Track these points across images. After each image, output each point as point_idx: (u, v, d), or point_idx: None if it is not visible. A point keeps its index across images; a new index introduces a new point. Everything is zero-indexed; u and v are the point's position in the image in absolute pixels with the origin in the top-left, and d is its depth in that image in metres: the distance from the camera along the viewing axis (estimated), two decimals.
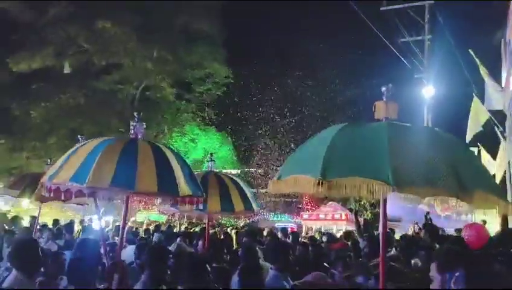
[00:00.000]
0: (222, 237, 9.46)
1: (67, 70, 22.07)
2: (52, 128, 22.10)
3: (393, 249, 6.15)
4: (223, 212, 5.95)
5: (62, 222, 10.64)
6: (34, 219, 10.15)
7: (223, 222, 19.38)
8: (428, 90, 17.84)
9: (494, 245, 5.59)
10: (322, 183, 2.70)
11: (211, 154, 6.62)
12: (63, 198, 4.03)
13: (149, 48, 23.11)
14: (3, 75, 21.17)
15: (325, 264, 5.22)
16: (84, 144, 4.06)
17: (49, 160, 6.83)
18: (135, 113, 4.37)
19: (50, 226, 9.79)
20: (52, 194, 3.93)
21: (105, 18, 21.32)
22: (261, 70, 28.05)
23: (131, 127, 4.26)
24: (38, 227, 7.53)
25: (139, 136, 4.22)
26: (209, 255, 5.78)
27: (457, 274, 2.05)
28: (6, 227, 8.69)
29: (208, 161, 6.38)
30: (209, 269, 3.69)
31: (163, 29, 22.86)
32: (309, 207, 25.24)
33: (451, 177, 2.57)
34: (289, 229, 14.82)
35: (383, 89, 3.22)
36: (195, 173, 4.76)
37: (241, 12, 25.55)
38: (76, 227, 10.87)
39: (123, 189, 3.79)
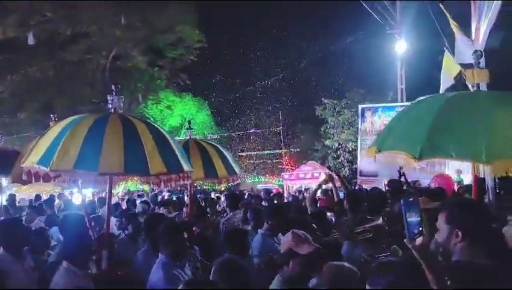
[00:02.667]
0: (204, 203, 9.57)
1: (31, 41, 21.17)
2: (22, 103, 21.46)
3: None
4: (207, 179, 5.90)
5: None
6: (12, 196, 10.08)
7: (205, 187, 19.51)
8: (400, 46, 17.90)
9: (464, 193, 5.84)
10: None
11: (189, 121, 6.57)
12: (33, 181, 4.01)
13: (117, 14, 22.30)
14: None
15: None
16: (54, 125, 3.99)
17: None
18: (112, 86, 4.24)
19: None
20: (25, 177, 3.91)
21: None
22: (233, 32, 27.61)
23: (109, 101, 4.17)
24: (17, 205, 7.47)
25: (118, 110, 4.14)
26: (194, 220, 5.91)
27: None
28: None
29: (186, 129, 6.35)
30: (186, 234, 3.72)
31: None
32: (289, 167, 25.66)
33: None
34: (274, 190, 15.10)
35: (473, 56, 3.27)
36: None
37: None
38: (56, 201, 10.81)
39: (87, 171, 3.70)
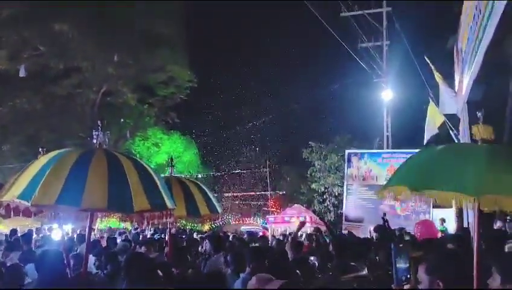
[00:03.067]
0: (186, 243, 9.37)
1: (22, 74, 21.22)
2: (7, 135, 21.22)
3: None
4: (189, 217, 5.74)
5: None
6: None
7: (188, 227, 19.18)
8: (387, 94, 18.40)
9: (449, 241, 5.84)
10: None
11: (171, 158, 6.54)
12: (12, 216, 3.91)
13: (109, 51, 22.60)
14: None
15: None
16: (38, 158, 3.91)
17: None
18: (98, 121, 4.23)
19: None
20: (3, 211, 3.81)
21: (63, 21, 20.69)
22: (224, 73, 28.14)
23: (94, 136, 4.16)
24: None
25: (103, 146, 4.12)
26: (174, 260, 5.76)
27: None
28: None
29: (168, 166, 6.31)
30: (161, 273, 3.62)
31: (124, 32, 22.42)
32: (274, 209, 25.49)
33: None
34: (260, 233, 14.92)
35: (478, 114, 3.52)
36: None
37: (202, 16, 25.51)
38: (34, 236, 10.49)
39: (69, 206, 3.62)
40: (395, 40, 18.93)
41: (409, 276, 1.99)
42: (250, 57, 28.33)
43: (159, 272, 3.75)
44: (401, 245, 2.08)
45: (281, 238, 13.64)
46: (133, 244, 8.02)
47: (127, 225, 16.26)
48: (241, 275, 4.40)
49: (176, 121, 27.37)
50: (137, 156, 22.41)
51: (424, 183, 3.01)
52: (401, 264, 2.03)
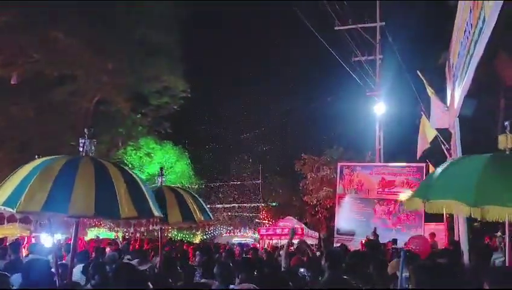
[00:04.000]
0: (177, 254, 9.30)
1: (14, 81, 21.10)
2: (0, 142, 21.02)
3: None
4: (185, 222, 5.69)
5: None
6: None
7: (179, 238, 19.05)
8: (379, 108, 18.51)
9: (439, 256, 5.86)
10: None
11: (161, 168, 6.53)
12: None
13: (104, 60, 22.58)
14: None
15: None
16: (23, 166, 3.87)
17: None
18: (85, 129, 4.20)
19: None
20: None
21: (58, 28, 20.68)
22: (218, 85, 28.20)
23: (80, 144, 4.12)
24: None
25: (90, 154, 4.09)
26: (164, 271, 5.70)
27: None
28: None
29: (158, 176, 6.28)
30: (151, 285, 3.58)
31: (119, 41, 22.44)
32: (266, 221, 25.39)
33: None
34: (250, 245, 14.83)
35: (506, 123, 3.68)
36: None
37: (199, 26, 25.64)
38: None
39: (56, 213, 3.61)
40: (388, 54, 19.12)
41: (408, 286, 2.01)
42: (245, 69, 28.47)
43: (150, 284, 3.69)
44: (408, 254, 2.11)
45: (272, 251, 13.62)
46: (122, 255, 7.93)
47: (118, 234, 16.13)
48: (232, 286, 4.37)
49: (169, 132, 27.29)
50: (129, 166, 22.30)
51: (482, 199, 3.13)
52: (406, 273, 2.07)
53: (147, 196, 4.00)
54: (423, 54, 17.36)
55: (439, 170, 4.00)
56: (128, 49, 23.20)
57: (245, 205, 27.78)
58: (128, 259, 6.95)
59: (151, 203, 4.00)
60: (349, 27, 19.00)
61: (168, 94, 26.53)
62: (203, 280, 5.53)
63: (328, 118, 26.48)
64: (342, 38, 18.99)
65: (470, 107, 6.96)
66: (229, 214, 28.13)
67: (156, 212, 4.04)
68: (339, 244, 12.19)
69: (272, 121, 28.70)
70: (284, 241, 16.75)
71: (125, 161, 24.09)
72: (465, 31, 6.11)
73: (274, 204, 27.20)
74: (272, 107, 29.47)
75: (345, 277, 4.46)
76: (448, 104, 8.83)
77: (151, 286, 4.31)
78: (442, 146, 9.35)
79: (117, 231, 15.60)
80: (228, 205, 28.17)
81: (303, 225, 18.08)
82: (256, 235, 21.03)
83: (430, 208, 3.62)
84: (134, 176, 4.15)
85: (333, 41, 18.26)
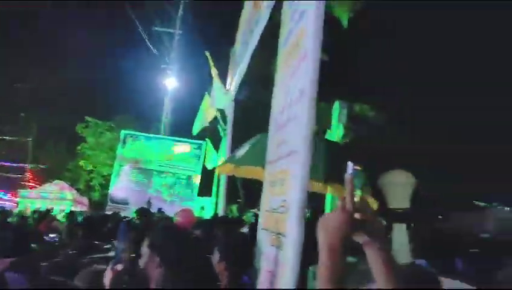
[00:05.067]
0: None
1: None
2: None
3: None
4: None
5: None
6: None
7: None
8: (170, 82, 18.69)
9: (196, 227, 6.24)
10: None
11: None
12: None
13: None
14: None
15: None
16: None
17: None
18: None
19: None
20: None
21: None
22: None
23: None
24: None
25: None
26: None
27: None
28: None
29: None
30: None
31: None
32: (33, 184, 22.93)
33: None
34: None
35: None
36: None
37: None
38: None
39: None
40: (187, 31, 19.39)
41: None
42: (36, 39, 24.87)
43: None
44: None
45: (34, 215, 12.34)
46: None
47: None
48: None
49: None
50: None
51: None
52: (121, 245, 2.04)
53: None
54: (218, 37, 18.17)
55: (248, 143, 4.59)
56: None
57: (7, 164, 24.44)
58: None
59: None
60: None
61: None
62: None
63: (122, 84, 25.29)
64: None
65: (242, 92, 7.61)
66: None
67: None
68: (110, 213, 11.91)
69: (57, 75, 25.77)
70: (52, 206, 15.40)
71: None
72: (248, 19, 6.56)
73: (44, 167, 24.60)
74: (66, 62, 26.48)
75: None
76: (227, 88, 9.47)
77: None
78: (219, 126, 9.95)
79: None
80: None
81: (74, 190, 17.00)
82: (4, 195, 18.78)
83: (239, 173, 4.44)
84: None
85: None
